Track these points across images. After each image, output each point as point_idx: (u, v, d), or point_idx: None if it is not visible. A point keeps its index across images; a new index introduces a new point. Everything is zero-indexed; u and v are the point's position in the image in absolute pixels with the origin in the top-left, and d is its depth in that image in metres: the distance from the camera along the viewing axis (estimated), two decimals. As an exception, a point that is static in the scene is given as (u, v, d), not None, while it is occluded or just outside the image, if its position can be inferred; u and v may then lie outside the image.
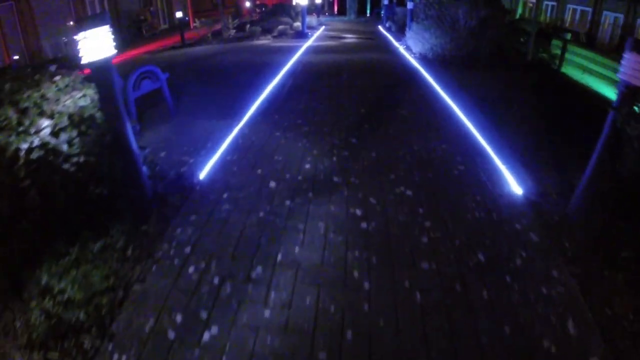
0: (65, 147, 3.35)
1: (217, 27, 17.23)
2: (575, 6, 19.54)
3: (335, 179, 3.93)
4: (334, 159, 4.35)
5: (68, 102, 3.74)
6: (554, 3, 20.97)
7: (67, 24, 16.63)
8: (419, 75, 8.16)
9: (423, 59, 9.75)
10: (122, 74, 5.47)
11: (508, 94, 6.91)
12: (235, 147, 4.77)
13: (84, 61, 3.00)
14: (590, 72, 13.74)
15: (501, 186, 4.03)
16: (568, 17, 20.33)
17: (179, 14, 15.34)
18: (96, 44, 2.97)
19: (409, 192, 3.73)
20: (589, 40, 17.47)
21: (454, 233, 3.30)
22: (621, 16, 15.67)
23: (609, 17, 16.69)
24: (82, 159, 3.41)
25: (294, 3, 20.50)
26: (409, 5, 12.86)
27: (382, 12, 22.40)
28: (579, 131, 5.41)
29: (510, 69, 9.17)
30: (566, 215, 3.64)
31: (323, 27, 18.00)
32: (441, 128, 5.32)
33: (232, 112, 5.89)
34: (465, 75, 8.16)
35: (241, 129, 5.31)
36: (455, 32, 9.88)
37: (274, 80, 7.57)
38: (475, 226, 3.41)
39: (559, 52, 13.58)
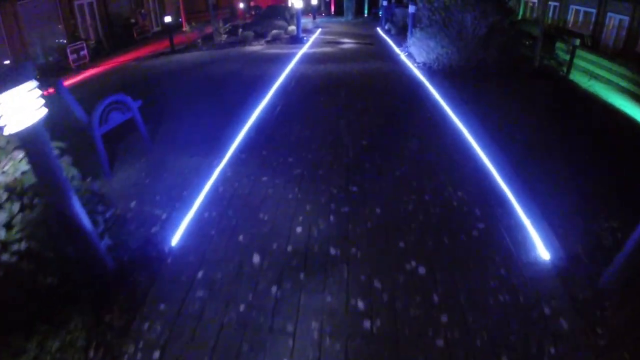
0: (2, 233, 2.72)
1: (209, 30, 16.53)
2: (578, 7, 19.06)
3: (333, 250, 3.29)
4: (331, 218, 3.70)
5: (7, 166, 3.11)
6: (557, 3, 20.41)
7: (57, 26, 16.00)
8: (426, 91, 7.49)
9: (428, 70, 9.08)
10: (107, 85, 4.83)
11: (525, 117, 6.25)
12: (214, 197, 4.13)
13: (5, 132, 2.35)
14: (597, 77, 13.29)
15: (527, 250, 3.40)
16: (571, 18, 19.83)
17: (167, 19, 14.54)
18: (19, 108, 2.31)
19: (421, 269, 3.10)
20: (593, 44, 17.04)
21: (474, 330, 2.67)
22: (627, 19, 15.30)
23: (613, 19, 16.32)
24: (23, 245, 2.78)
25: (289, 4, 19.79)
26: (411, 9, 12.14)
27: (381, 12, 21.72)
28: (612, 166, 4.78)
29: (520, 80, 8.55)
30: (599, 291, 3.04)
31: (319, 29, 17.26)
32: (455, 168, 4.67)
33: (216, 144, 5.25)
34: (475, 90, 7.49)
35: (223, 170, 4.66)
36: (462, 40, 9.20)
37: (264, 100, 6.92)
38: (499, 316, 2.78)
39: (565, 56, 13.03)
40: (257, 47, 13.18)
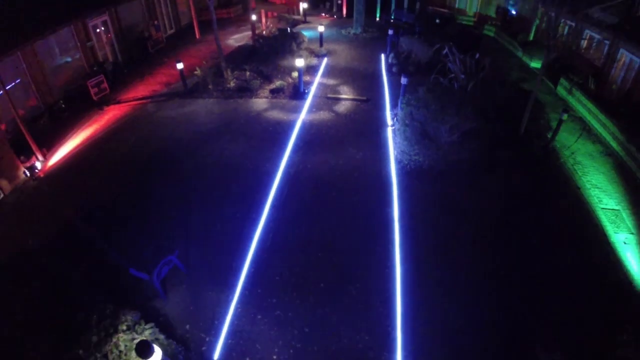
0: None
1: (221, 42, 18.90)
2: (593, 34, 19.23)
3: None
4: None
5: None
6: (572, 23, 20.29)
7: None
8: (389, 197, 10.39)
9: (402, 168, 11.82)
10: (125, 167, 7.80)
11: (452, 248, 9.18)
12: (234, 327, 7.44)
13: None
14: (589, 131, 14.94)
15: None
16: (584, 44, 20.25)
17: (179, 65, 17.02)
18: None
19: None
20: (601, 79, 17.67)
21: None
22: (638, 60, 15.61)
23: (625, 57, 16.57)
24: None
25: (295, 32, 21.99)
26: (403, 80, 14.57)
27: (393, 17, 24.98)
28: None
29: (488, 180, 11.41)
30: None
31: (324, 62, 19.66)
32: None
33: (230, 273, 8.41)
34: (438, 200, 10.40)
35: (236, 306, 7.84)
36: (439, 149, 11.84)
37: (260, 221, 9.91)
38: None
39: (566, 95, 14.76)
40: (262, 102, 15.94)
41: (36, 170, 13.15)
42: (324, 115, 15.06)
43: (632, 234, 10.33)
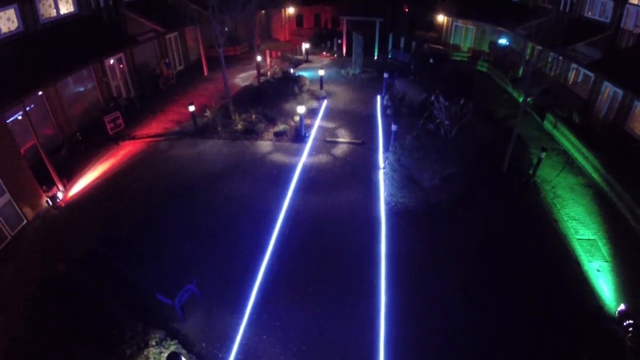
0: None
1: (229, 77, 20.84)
2: (579, 67, 21.43)
3: None
4: None
5: None
6: (560, 57, 21.38)
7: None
8: (377, 239, 12.11)
9: (391, 209, 13.59)
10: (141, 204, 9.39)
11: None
12: (243, 347, 9.00)
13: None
14: (572, 163, 16.54)
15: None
16: (571, 76, 22.65)
17: (191, 108, 18.89)
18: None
19: None
20: (585, 115, 19.47)
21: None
22: (620, 92, 17.39)
23: (609, 89, 18.50)
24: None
25: (296, 74, 24.13)
26: (393, 127, 16.47)
27: (390, 56, 28.33)
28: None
29: (483, 217, 13.18)
30: None
31: (324, 105, 21.76)
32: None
33: (237, 298, 10.08)
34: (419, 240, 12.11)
35: (244, 333, 9.37)
36: (422, 191, 13.63)
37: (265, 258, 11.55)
38: None
39: (552, 130, 16.32)
40: (266, 144, 17.90)
41: (58, 200, 14.70)
42: (322, 158, 16.96)
43: (607, 261, 11.77)
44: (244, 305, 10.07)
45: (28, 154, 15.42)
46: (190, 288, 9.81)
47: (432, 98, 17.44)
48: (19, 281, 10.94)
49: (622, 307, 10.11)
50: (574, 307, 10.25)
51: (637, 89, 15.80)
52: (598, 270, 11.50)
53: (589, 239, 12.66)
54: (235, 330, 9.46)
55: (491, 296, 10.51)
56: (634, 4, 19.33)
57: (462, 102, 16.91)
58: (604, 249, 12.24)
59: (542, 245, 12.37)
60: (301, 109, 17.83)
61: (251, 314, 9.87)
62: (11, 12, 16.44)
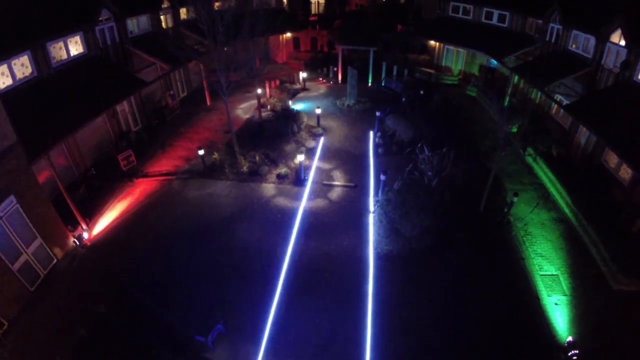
0: None
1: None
2: (561, 97, 23.62)
3: None
4: None
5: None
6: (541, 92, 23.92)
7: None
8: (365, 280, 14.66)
9: (378, 254, 16.18)
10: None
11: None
12: None
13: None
14: (547, 198, 18.21)
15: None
16: (554, 106, 24.68)
17: (200, 152, 21.17)
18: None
19: None
20: (565, 143, 21.26)
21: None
22: None
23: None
24: None
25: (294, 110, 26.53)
26: (382, 177, 18.94)
27: (383, 83, 31.85)
28: None
29: (457, 258, 15.79)
30: None
31: (321, 142, 24.39)
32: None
33: (248, 337, 12.72)
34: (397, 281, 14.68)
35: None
36: (405, 240, 16.16)
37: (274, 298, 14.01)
38: None
39: (532, 163, 18.63)
40: (270, 187, 20.48)
41: (84, 239, 16.88)
42: (320, 202, 19.61)
43: (566, 295, 13.84)
44: (261, 337, 12.77)
45: (46, 188, 16.75)
46: (219, 328, 12.53)
47: (417, 150, 19.90)
48: (62, 319, 13.33)
49: (570, 338, 12.34)
50: (527, 337, 12.81)
51: (607, 137, 16.83)
52: (556, 304, 13.48)
53: (551, 274, 14.74)
54: (256, 355, 12.22)
55: (457, 327, 13.13)
56: (614, 43, 20.22)
57: (444, 150, 19.31)
58: (564, 283, 14.35)
59: (507, 281, 14.94)
60: (301, 157, 20.33)
61: (267, 346, 12.53)
62: (24, 59, 17.43)
